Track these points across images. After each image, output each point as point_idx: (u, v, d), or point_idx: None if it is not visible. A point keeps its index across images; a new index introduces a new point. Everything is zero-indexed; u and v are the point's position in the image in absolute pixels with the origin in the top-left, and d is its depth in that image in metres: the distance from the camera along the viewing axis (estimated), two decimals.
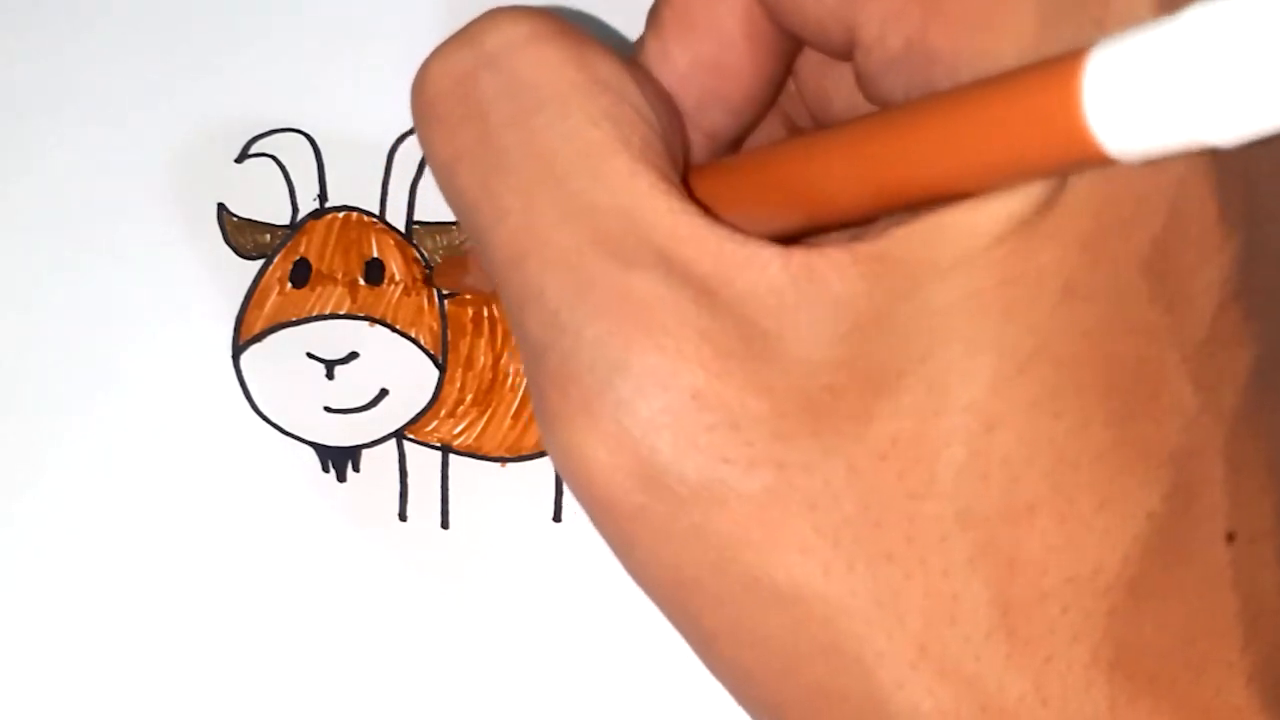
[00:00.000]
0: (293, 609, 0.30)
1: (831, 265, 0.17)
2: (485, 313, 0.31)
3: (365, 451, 0.31)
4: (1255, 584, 0.18)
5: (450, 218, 0.31)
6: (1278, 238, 0.19)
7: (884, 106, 0.19)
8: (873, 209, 0.18)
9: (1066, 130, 0.14)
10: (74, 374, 0.31)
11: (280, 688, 0.30)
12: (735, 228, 0.18)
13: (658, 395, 0.17)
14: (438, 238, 0.31)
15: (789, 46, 0.22)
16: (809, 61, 0.22)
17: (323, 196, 0.32)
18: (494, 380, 0.31)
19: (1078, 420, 0.17)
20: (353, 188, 0.32)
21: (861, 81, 0.20)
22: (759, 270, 0.17)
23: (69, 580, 0.30)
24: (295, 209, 0.32)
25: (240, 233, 0.31)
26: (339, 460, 0.31)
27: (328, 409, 0.31)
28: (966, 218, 0.17)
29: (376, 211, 0.31)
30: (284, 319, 0.31)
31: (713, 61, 0.21)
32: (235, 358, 0.31)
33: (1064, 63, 0.14)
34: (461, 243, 0.31)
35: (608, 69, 0.19)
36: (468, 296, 0.31)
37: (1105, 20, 0.17)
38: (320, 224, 0.31)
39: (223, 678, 0.30)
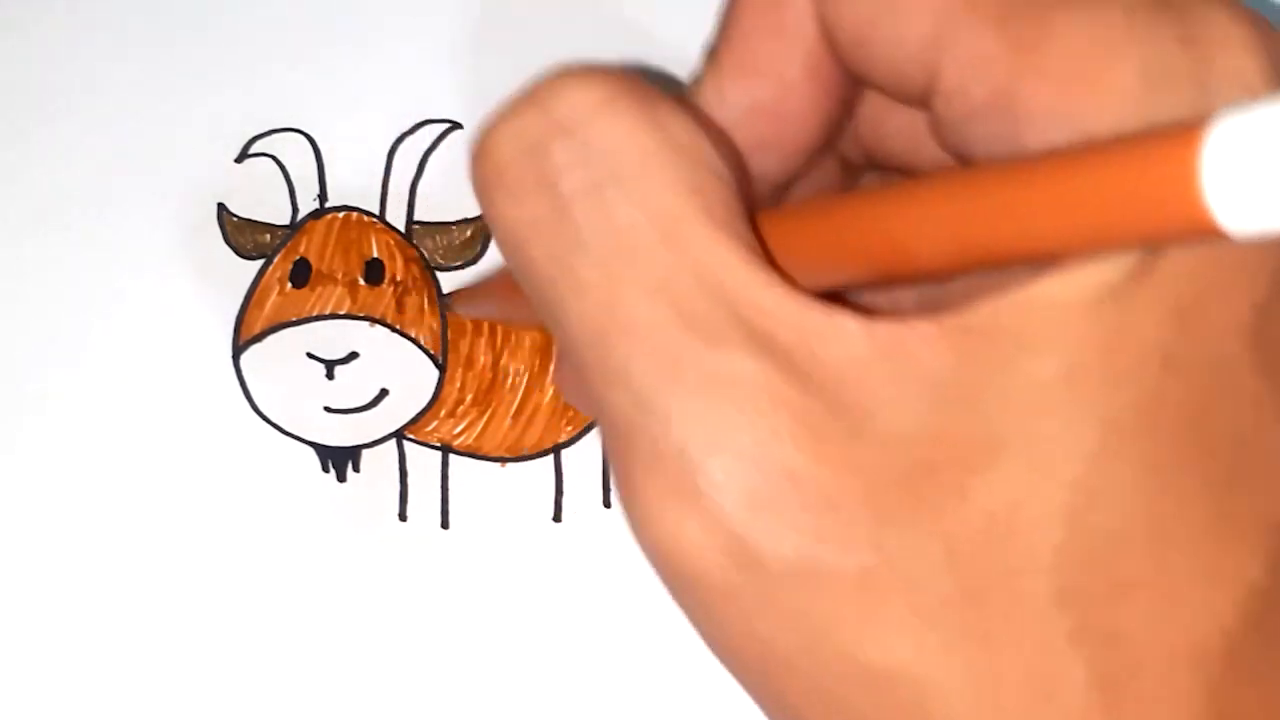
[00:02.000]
0: (293, 609, 0.30)
1: (919, 338, 0.17)
2: None
3: (365, 452, 0.31)
4: None
5: (450, 217, 0.31)
6: None
7: (959, 155, 0.19)
8: (953, 269, 0.18)
9: (1182, 205, 0.14)
10: (74, 374, 0.31)
11: (280, 688, 0.30)
12: (817, 297, 0.18)
13: (753, 476, 0.17)
14: (438, 237, 0.31)
15: (851, 91, 0.21)
16: (870, 102, 0.22)
17: (322, 196, 0.32)
18: (494, 380, 0.31)
19: (1178, 494, 0.17)
20: (352, 188, 0.32)
21: (938, 128, 0.19)
22: (844, 343, 0.17)
23: (69, 580, 0.30)
24: (295, 209, 0.32)
25: (240, 233, 0.31)
26: (339, 460, 0.31)
27: (328, 409, 0.31)
28: (1060, 288, 0.17)
29: (376, 211, 0.31)
30: (284, 319, 0.31)
31: (771, 107, 0.21)
32: (235, 358, 0.31)
33: (1182, 133, 0.14)
34: (463, 245, 0.31)
35: (682, 131, 0.18)
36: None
37: (1210, 83, 0.17)
38: (320, 224, 0.31)
39: (223, 678, 0.30)
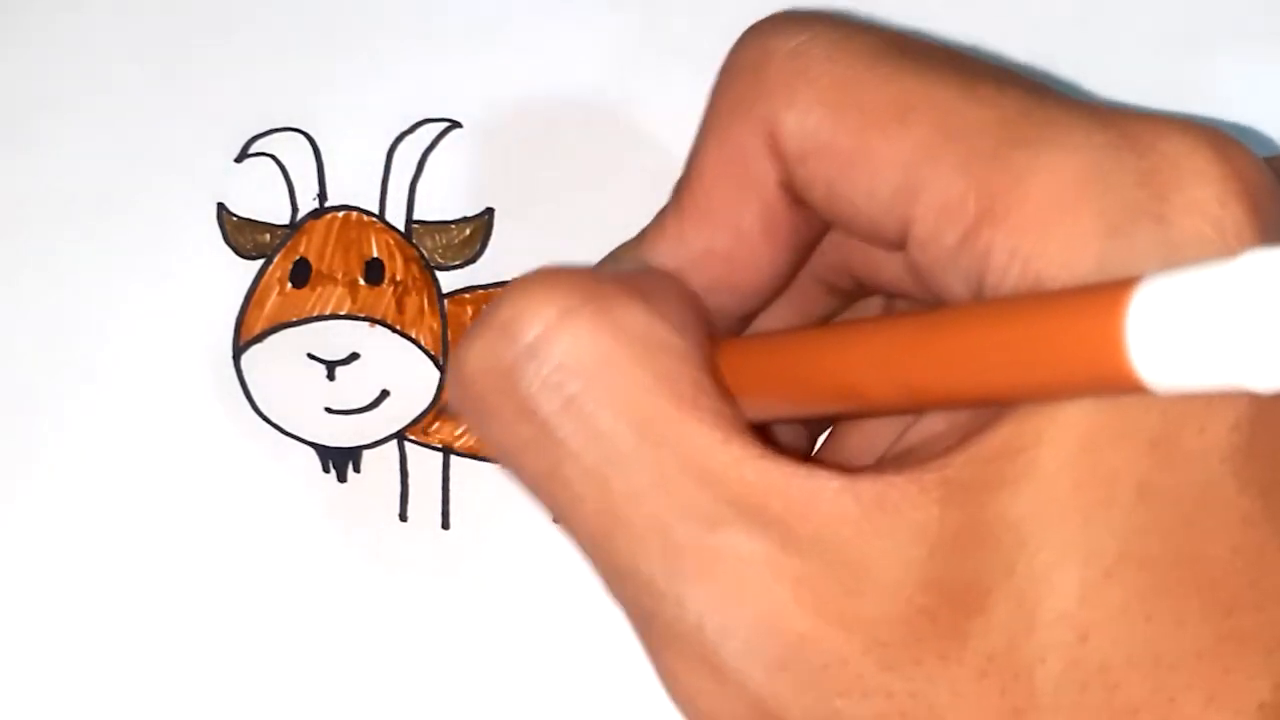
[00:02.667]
0: (293, 609, 0.30)
1: (899, 494, 0.18)
2: None
3: (366, 452, 0.31)
4: None
5: (450, 216, 0.31)
6: None
7: (936, 295, 0.20)
8: (903, 409, 0.19)
9: (1108, 360, 0.14)
10: (74, 374, 0.31)
11: (280, 688, 0.30)
12: (796, 461, 0.18)
13: (768, 644, 0.18)
14: (437, 236, 0.31)
15: (811, 237, 0.22)
16: (834, 238, 0.23)
17: (322, 196, 0.32)
18: None
19: (1172, 620, 0.17)
20: (352, 187, 0.32)
21: (915, 273, 0.20)
22: (829, 504, 0.18)
23: (69, 580, 0.30)
24: (295, 209, 0.31)
25: (240, 233, 0.31)
26: (339, 461, 0.31)
27: (328, 410, 0.31)
28: (1023, 432, 0.17)
29: (376, 211, 0.31)
30: (284, 319, 0.31)
31: (726, 253, 0.21)
32: (235, 358, 0.31)
33: (1110, 291, 0.14)
34: (463, 244, 0.31)
35: (640, 323, 0.19)
36: (467, 295, 0.31)
37: (1169, 217, 0.17)
38: (320, 224, 0.31)
39: (223, 678, 0.30)
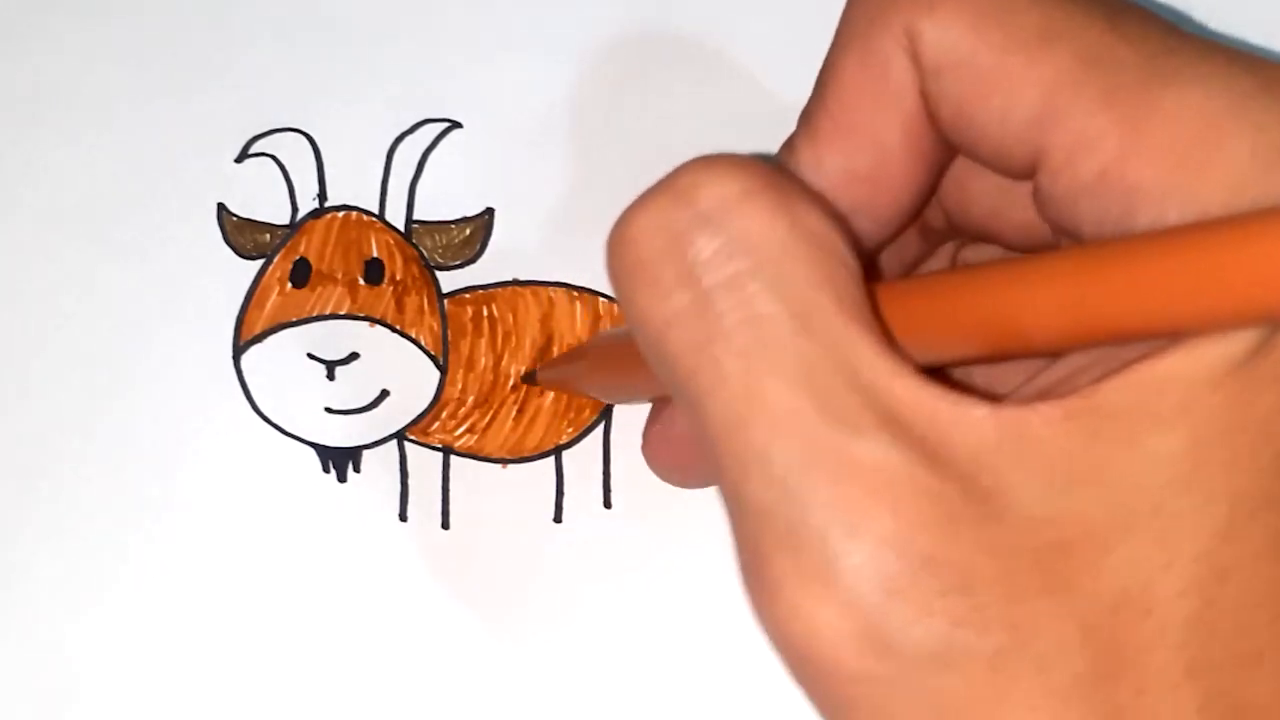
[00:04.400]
0: (293, 609, 0.30)
1: (1044, 421, 0.17)
2: (485, 312, 0.31)
3: (366, 452, 0.31)
4: None
5: (450, 216, 0.31)
6: None
7: (1061, 228, 0.19)
8: (1067, 346, 0.18)
9: None
10: (74, 374, 0.31)
11: (280, 688, 0.30)
12: (946, 384, 0.18)
13: (893, 562, 0.17)
14: (437, 236, 0.31)
15: (946, 159, 0.21)
16: (957, 167, 0.22)
17: (322, 196, 0.32)
18: (495, 382, 0.31)
19: None
20: (352, 187, 0.32)
21: (1042, 202, 0.20)
22: (972, 429, 0.18)
23: (69, 580, 0.30)
24: (295, 209, 0.31)
25: (240, 233, 0.31)
26: (339, 461, 0.31)
27: (328, 410, 0.31)
28: (1183, 365, 0.17)
29: (376, 211, 0.31)
30: (284, 319, 0.31)
31: (869, 174, 0.21)
32: (236, 358, 0.31)
33: None
34: (462, 244, 0.31)
35: (816, 222, 0.19)
36: (467, 295, 0.31)
37: None
38: (320, 224, 0.31)
39: (223, 678, 0.30)
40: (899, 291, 0.20)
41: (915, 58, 0.20)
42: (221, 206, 0.31)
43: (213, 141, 0.32)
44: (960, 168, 0.22)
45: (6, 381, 0.31)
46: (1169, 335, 0.17)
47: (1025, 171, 0.20)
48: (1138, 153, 0.18)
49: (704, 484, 0.28)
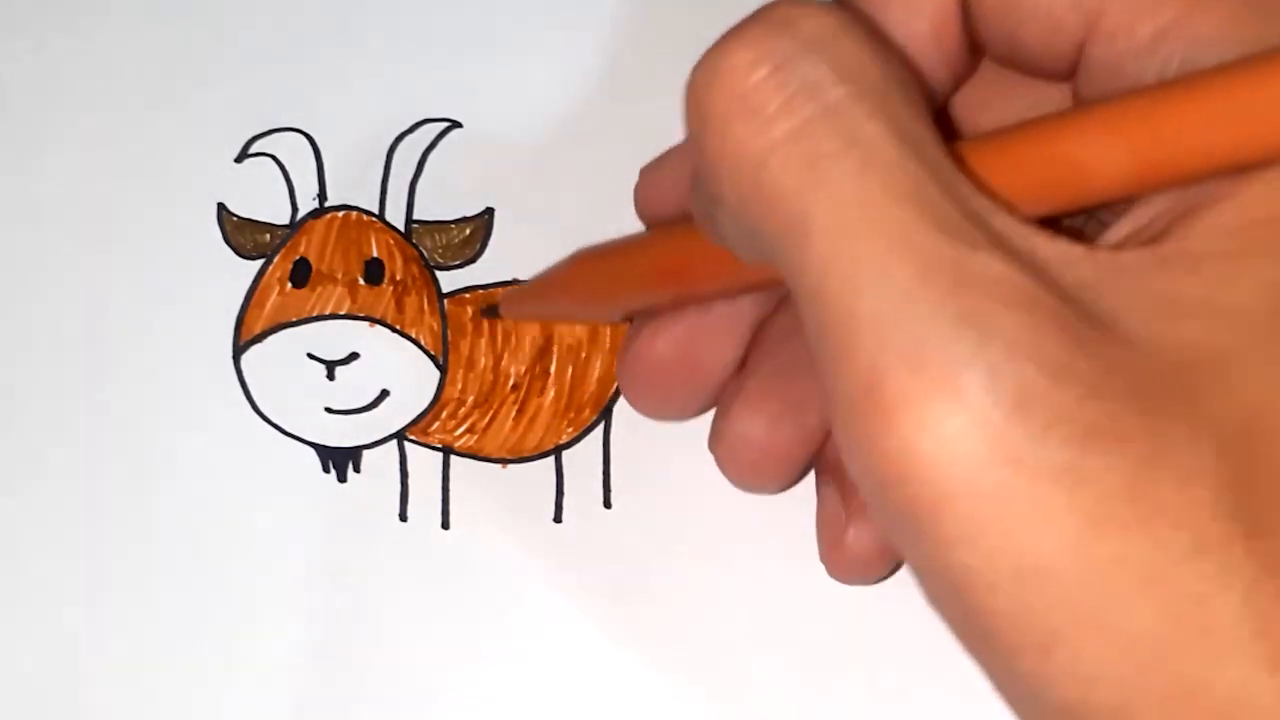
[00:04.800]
0: (293, 609, 0.30)
1: (1139, 262, 0.17)
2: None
3: (366, 452, 0.31)
4: None
5: (449, 216, 0.31)
6: None
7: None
8: (1131, 187, 0.18)
9: None
10: (74, 374, 0.31)
11: (280, 688, 0.30)
12: (1036, 224, 0.18)
13: (1021, 373, 0.16)
14: (437, 236, 0.31)
15: (966, 69, 0.22)
16: (978, 77, 0.23)
17: (322, 196, 0.32)
18: (495, 382, 0.31)
19: None
20: (352, 187, 0.32)
21: (1086, 76, 0.20)
22: (1071, 265, 0.17)
23: (69, 580, 0.30)
24: (295, 208, 0.31)
25: (240, 232, 0.31)
26: (340, 461, 0.31)
27: (328, 409, 0.31)
28: (1267, 196, 0.17)
29: (376, 211, 0.31)
30: (284, 319, 0.31)
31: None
32: (236, 358, 0.31)
33: None
34: (463, 244, 0.31)
35: (901, 67, 0.19)
36: (467, 295, 0.31)
37: None
38: (320, 223, 0.31)
39: (222, 678, 0.30)
40: (963, 147, 0.20)
41: None
42: (221, 206, 0.31)
43: (213, 141, 0.32)
44: (980, 84, 0.22)
45: (6, 381, 0.31)
46: (1248, 167, 0.17)
47: (1068, 49, 0.20)
48: (1198, 10, 0.18)
49: (681, 413, 0.28)
